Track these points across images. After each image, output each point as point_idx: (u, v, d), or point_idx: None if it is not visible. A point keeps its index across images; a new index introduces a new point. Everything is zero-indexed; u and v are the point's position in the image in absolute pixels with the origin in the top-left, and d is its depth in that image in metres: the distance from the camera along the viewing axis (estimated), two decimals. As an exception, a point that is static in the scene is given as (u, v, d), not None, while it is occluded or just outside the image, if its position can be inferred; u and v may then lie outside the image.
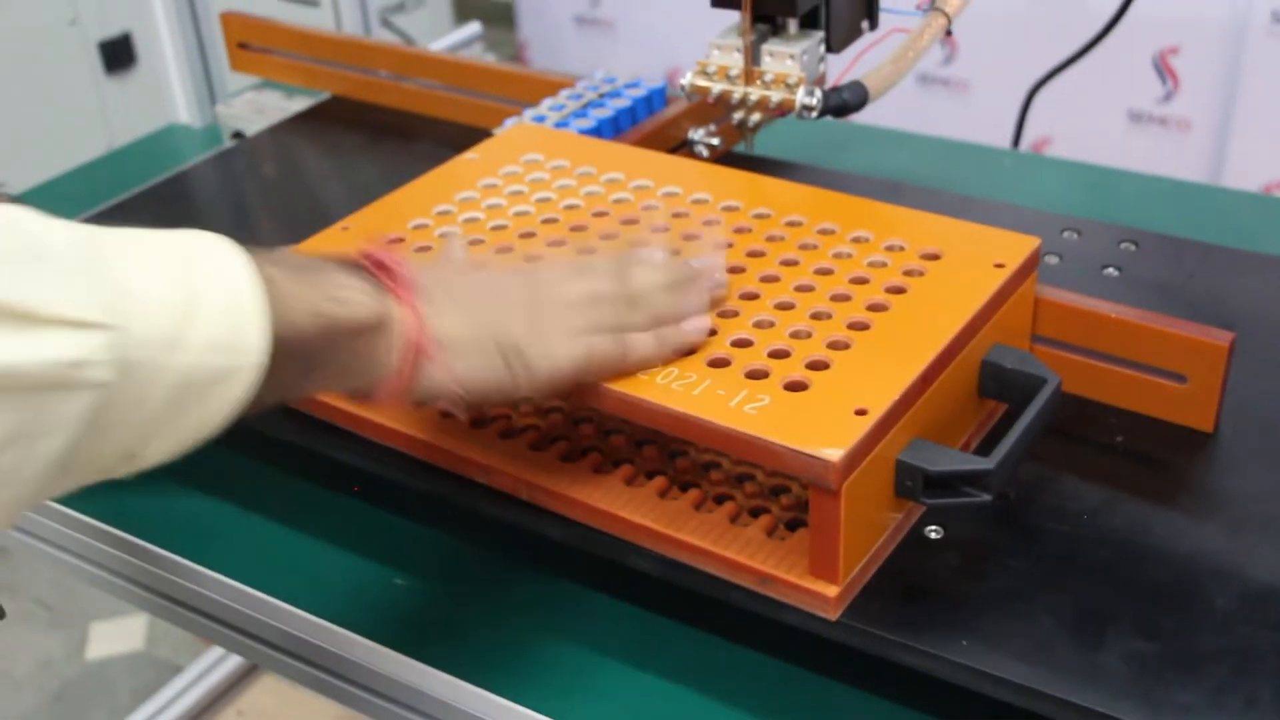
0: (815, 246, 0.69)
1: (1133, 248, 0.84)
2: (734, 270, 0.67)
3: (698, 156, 0.92)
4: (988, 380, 0.65)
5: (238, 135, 1.12)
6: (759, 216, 0.72)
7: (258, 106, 1.18)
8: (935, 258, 0.67)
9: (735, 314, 0.64)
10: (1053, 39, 1.19)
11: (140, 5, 1.38)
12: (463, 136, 0.85)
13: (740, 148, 0.93)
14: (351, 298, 0.55)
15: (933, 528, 0.62)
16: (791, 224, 0.71)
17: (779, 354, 0.61)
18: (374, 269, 0.57)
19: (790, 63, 0.80)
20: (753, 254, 0.68)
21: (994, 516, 0.63)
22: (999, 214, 0.89)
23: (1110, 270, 0.81)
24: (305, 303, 0.52)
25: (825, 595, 0.57)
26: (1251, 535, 0.62)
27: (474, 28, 1.42)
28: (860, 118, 0.83)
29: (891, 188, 0.93)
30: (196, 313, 0.48)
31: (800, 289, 0.65)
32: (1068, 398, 0.70)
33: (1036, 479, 0.66)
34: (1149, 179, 1.07)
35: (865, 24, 0.86)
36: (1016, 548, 0.62)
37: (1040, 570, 0.60)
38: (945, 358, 0.61)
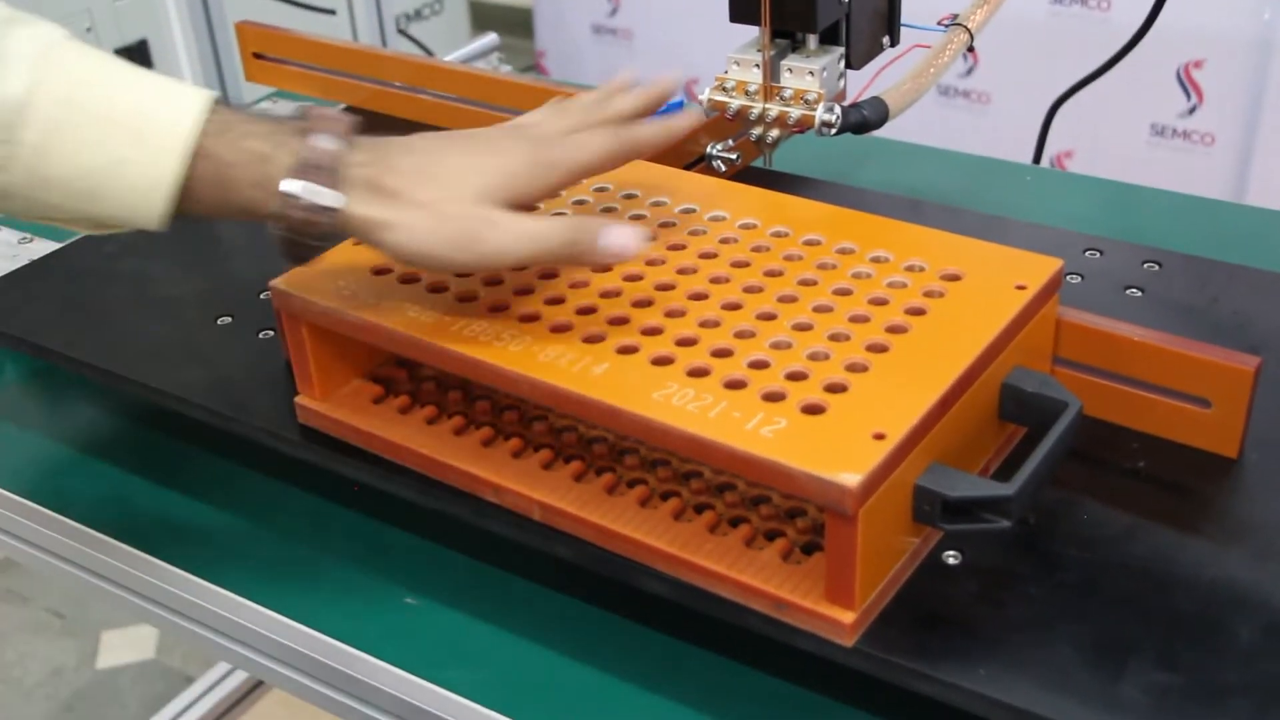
0: (834, 266, 0.68)
1: (1156, 268, 0.83)
2: (751, 290, 0.66)
3: (715, 171, 0.92)
4: (1008, 403, 0.64)
5: None
6: (777, 235, 0.71)
7: (273, 117, 1.17)
8: (956, 279, 0.66)
9: (752, 334, 0.63)
10: (1074, 51, 1.19)
11: (156, 13, 1.38)
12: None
13: (759, 163, 0.92)
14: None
15: (951, 553, 0.61)
16: (810, 243, 0.70)
17: (796, 376, 0.60)
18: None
19: (809, 79, 0.80)
20: (770, 273, 0.68)
21: (1013, 542, 0.62)
22: (1021, 232, 0.89)
23: (1133, 291, 0.80)
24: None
25: (841, 621, 0.56)
26: (1277, 565, 0.61)
27: (491, 38, 1.42)
28: (881, 131, 0.82)
29: (912, 205, 0.93)
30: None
31: (818, 309, 0.65)
32: (1089, 421, 0.69)
33: (1057, 504, 0.65)
34: (1172, 195, 1.05)
35: (886, 40, 0.86)
36: (1036, 575, 0.61)
37: (1060, 598, 0.59)
38: (965, 381, 0.60)
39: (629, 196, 0.76)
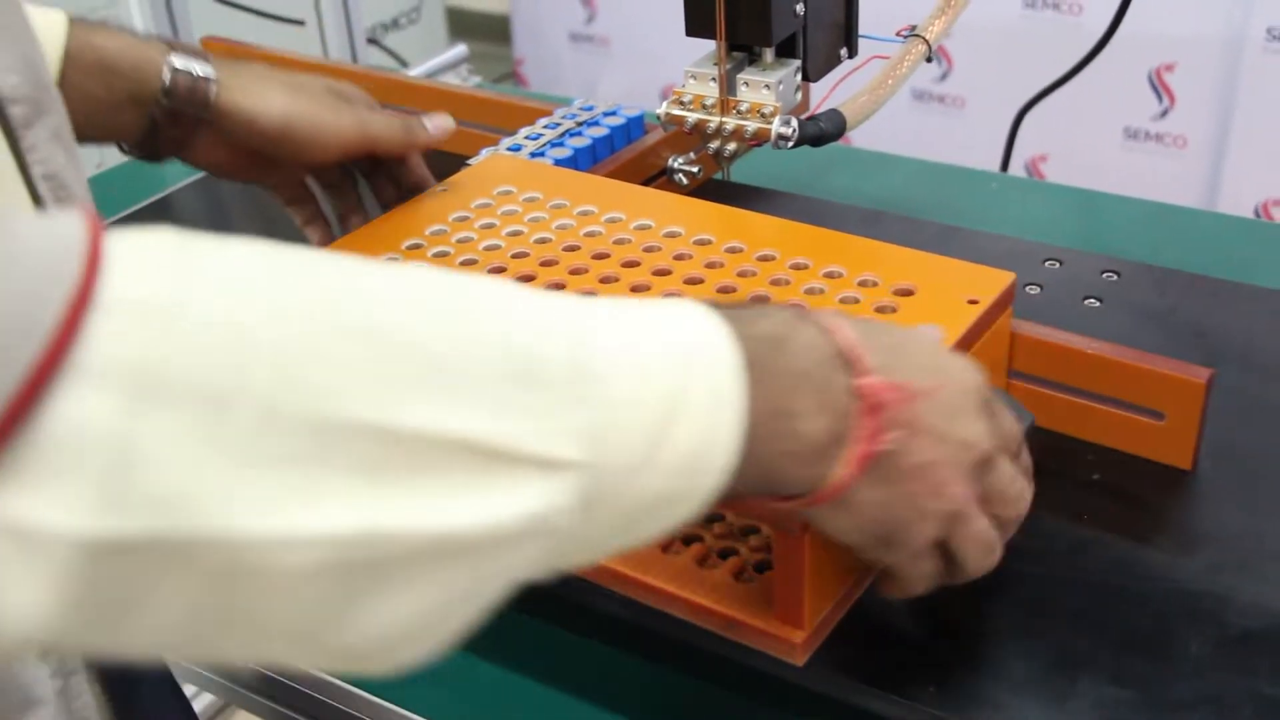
0: (787, 282, 0.68)
1: (1115, 277, 0.83)
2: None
3: (677, 185, 0.92)
4: None
5: None
6: (731, 251, 0.71)
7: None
8: (908, 294, 0.66)
9: None
10: (1048, 56, 1.18)
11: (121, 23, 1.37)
12: (443, 163, 0.84)
13: (719, 175, 0.92)
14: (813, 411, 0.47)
15: None
16: (764, 258, 0.70)
17: None
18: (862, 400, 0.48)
19: (765, 92, 0.79)
20: (724, 289, 0.67)
21: None
22: (980, 243, 0.89)
23: (1091, 301, 0.80)
24: (769, 404, 0.45)
25: (791, 641, 0.56)
26: (1229, 577, 0.61)
27: (460, 50, 1.41)
28: (855, 138, 0.82)
29: (872, 217, 0.92)
30: (673, 430, 0.41)
31: None
32: (1045, 434, 0.69)
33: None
34: (1138, 203, 1.06)
35: (844, 52, 0.85)
36: (989, 590, 0.60)
37: (1012, 614, 0.59)
38: None
39: (585, 213, 0.75)
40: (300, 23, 1.68)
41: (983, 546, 0.52)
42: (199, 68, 0.74)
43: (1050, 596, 0.60)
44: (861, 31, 0.86)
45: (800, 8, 0.79)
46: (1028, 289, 0.82)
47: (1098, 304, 0.80)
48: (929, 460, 0.49)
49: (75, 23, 0.73)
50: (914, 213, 1.03)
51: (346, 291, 0.36)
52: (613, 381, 0.39)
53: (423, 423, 0.34)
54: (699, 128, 0.82)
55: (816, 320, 0.49)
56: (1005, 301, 0.67)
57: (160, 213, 1.07)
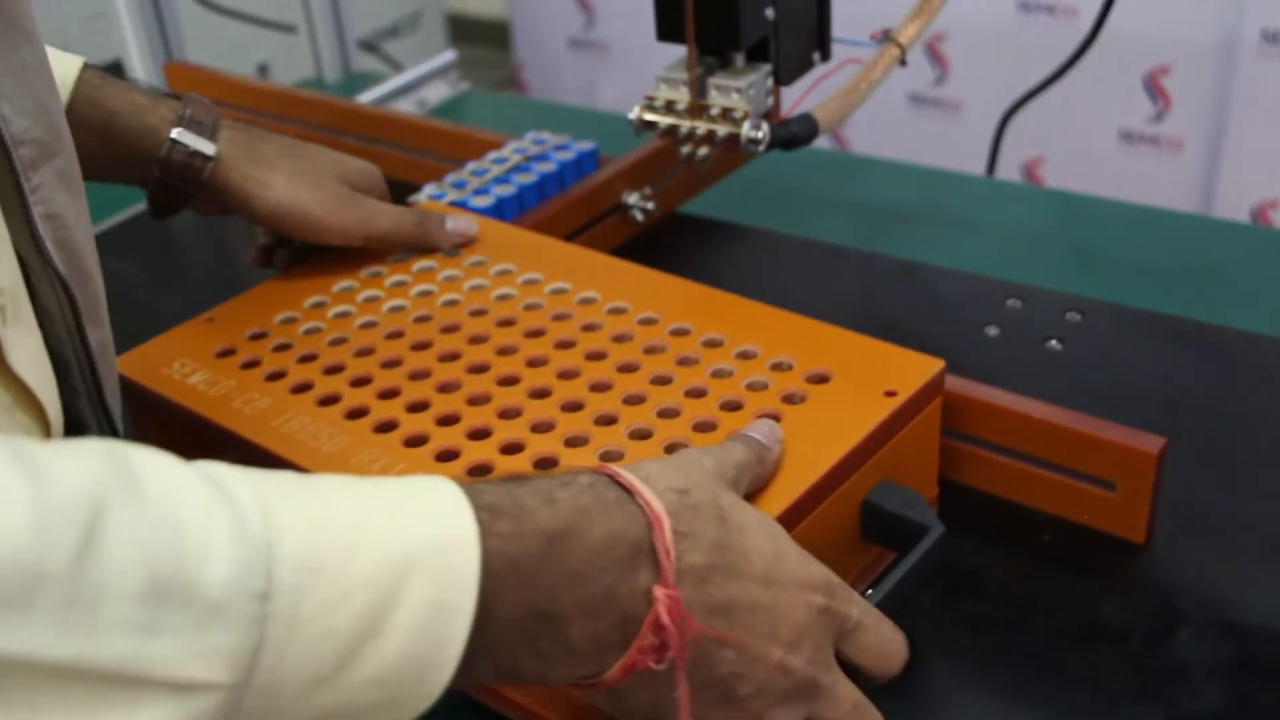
0: (696, 360, 0.64)
1: (1078, 317, 0.81)
2: (598, 388, 0.63)
3: (632, 220, 0.91)
4: (869, 523, 0.59)
5: None
6: (644, 322, 0.68)
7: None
8: (823, 380, 0.62)
9: (585, 441, 0.59)
10: (1044, 59, 1.18)
11: (111, 37, 1.38)
12: (399, 191, 0.84)
13: (686, 208, 0.91)
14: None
15: None
16: (678, 332, 0.67)
17: None
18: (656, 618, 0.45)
19: (736, 96, 0.79)
20: (624, 368, 0.64)
21: (903, 625, 0.56)
22: (943, 281, 0.88)
23: (1053, 343, 0.79)
24: (527, 607, 0.42)
25: None
26: (1168, 658, 0.57)
27: (448, 56, 1.42)
28: (851, 141, 0.82)
29: (833, 251, 0.91)
30: (367, 648, 0.38)
31: (663, 415, 0.61)
32: (996, 502, 0.67)
33: (957, 584, 0.62)
34: (1125, 207, 1.05)
35: (816, 56, 0.85)
36: (927, 659, 0.57)
37: (946, 687, 0.57)
38: (811, 499, 0.55)
39: (502, 273, 0.75)
40: (291, 28, 1.69)
41: None
42: (197, 143, 0.72)
43: (988, 669, 0.58)
44: (835, 35, 0.86)
45: (770, 12, 0.79)
46: (987, 330, 0.80)
47: (1059, 346, 0.79)
48: (732, 674, 0.46)
49: (88, 74, 0.71)
50: (904, 218, 1.03)
51: None
52: (290, 599, 0.36)
53: (31, 649, 0.32)
54: (670, 132, 0.82)
55: (636, 505, 0.45)
56: (932, 392, 0.62)
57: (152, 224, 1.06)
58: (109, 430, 0.56)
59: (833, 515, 0.57)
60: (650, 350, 0.66)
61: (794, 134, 0.81)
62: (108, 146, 0.72)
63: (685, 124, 0.81)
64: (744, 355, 0.65)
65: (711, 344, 0.66)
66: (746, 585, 0.47)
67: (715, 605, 0.46)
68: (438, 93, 1.39)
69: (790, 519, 0.54)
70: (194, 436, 0.66)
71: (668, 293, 0.71)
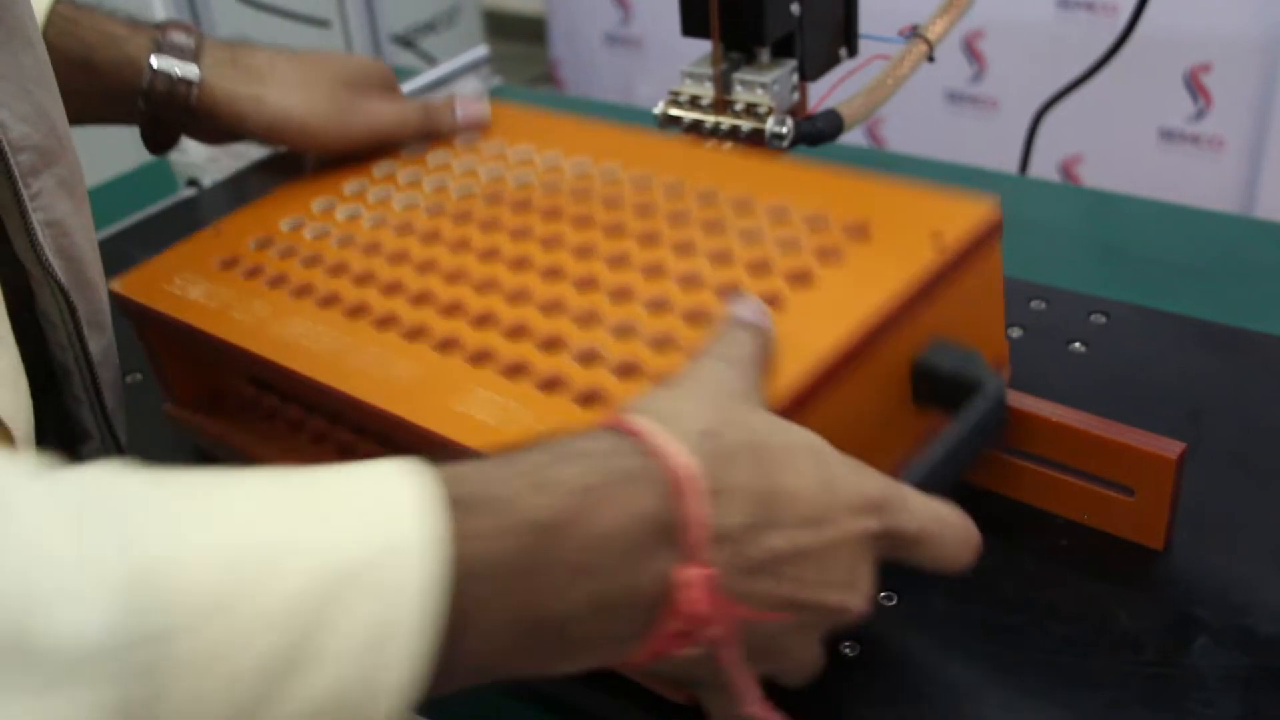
0: (723, 224, 0.60)
1: (1103, 319, 0.80)
2: (616, 262, 0.59)
3: None
4: (920, 384, 0.55)
5: (193, 183, 1.11)
6: (668, 190, 0.65)
7: (212, 153, 1.16)
8: (861, 231, 0.57)
9: (598, 319, 0.56)
10: (1083, 57, 1.17)
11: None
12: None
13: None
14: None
15: (847, 644, 0.57)
16: (705, 195, 0.63)
17: (626, 370, 0.53)
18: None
19: (760, 92, 0.79)
20: (645, 239, 0.61)
21: (917, 630, 0.57)
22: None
23: (1077, 345, 0.78)
24: (518, 611, 0.38)
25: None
26: (1198, 655, 0.56)
27: (480, 51, 1.41)
28: (887, 138, 0.81)
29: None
30: (295, 684, 0.33)
31: (686, 282, 0.57)
32: (1011, 505, 0.65)
33: (967, 589, 0.59)
34: (1160, 206, 1.03)
35: (843, 51, 0.85)
36: (938, 665, 0.56)
37: (957, 695, 0.55)
38: (849, 359, 0.51)
39: (521, 159, 0.72)
40: (326, 23, 1.69)
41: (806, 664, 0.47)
42: (179, 68, 0.70)
43: (1001, 677, 0.56)
44: (863, 31, 0.85)
45: (796, 7, 0.78)
46: (1010, 331, 0.79)
47: (1083, 349, 0.77)
48: (783, 631, 0.43)
49: (61, 4, 0.69)
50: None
51: None
52: (172, 645, 0.31)
53: None
54: (695, 127, 0.82)
55: (659, 469, 0.40)
56: (988, 235, 0.57)
57: (187, 212, 1.07)
58: (111, 439, 0.56)
59: (878, 377, 0.53)
60: (674, 218, 0.62)
61: (818, 130, 0.80)
62: (91, 83, 0.69)
63: (710, 119, 0.81)
64: (775, 214, 0.60)
65: (740, 204, 0.62)
66: (791, 534, 0.41)
67: (756, 564, 0.41)
68: (469, 88, 1.39)
69: (826, 384, 0.50)
70: (194, 352, 0.65)
71: (692, 160, 0.68)
